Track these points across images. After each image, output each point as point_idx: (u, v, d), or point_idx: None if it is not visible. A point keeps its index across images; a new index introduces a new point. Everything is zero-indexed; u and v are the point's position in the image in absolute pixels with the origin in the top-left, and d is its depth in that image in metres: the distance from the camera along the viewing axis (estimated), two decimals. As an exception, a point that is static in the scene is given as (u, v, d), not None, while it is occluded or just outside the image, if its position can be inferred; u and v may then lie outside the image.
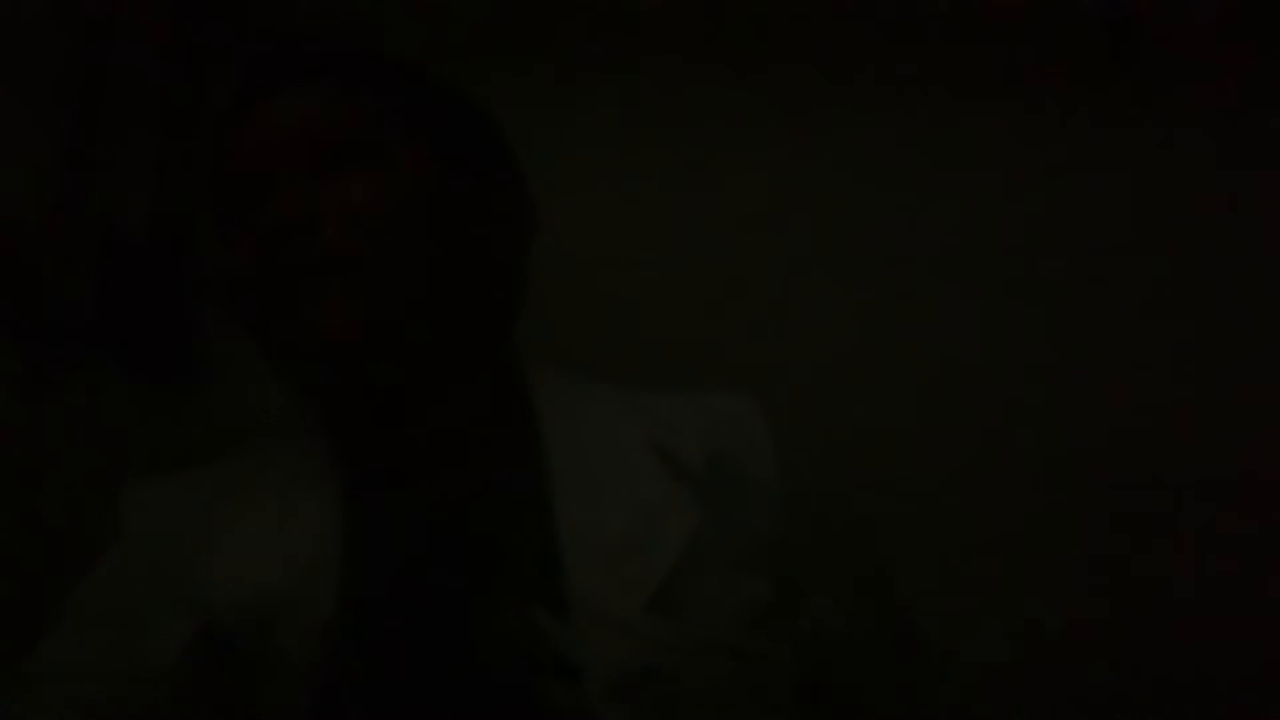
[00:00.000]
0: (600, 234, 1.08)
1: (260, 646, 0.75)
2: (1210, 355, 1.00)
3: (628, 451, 0.81)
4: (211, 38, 1.19)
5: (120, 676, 0.77)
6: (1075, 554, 1.00)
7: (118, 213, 1.15)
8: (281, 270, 0.77)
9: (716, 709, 0.74)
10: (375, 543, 0.79)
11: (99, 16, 1.17)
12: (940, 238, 1.07)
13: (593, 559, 0.76)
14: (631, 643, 0.73)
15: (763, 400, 0.85)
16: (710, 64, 1.12)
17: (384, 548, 0.79)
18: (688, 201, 1.11)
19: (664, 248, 1.10)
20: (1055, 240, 1.06)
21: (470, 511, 0.80)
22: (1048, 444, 1.02)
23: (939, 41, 1.09)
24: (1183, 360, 1.01)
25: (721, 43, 1.12)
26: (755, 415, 0.84)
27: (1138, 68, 1.04)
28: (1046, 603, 0.99)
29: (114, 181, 1.17)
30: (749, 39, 1.12)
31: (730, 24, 1.12)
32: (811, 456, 0.84)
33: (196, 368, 1.15)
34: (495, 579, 0.77)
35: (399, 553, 0.79)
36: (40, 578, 1.01)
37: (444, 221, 0.81)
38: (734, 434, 0.83)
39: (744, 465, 0.81)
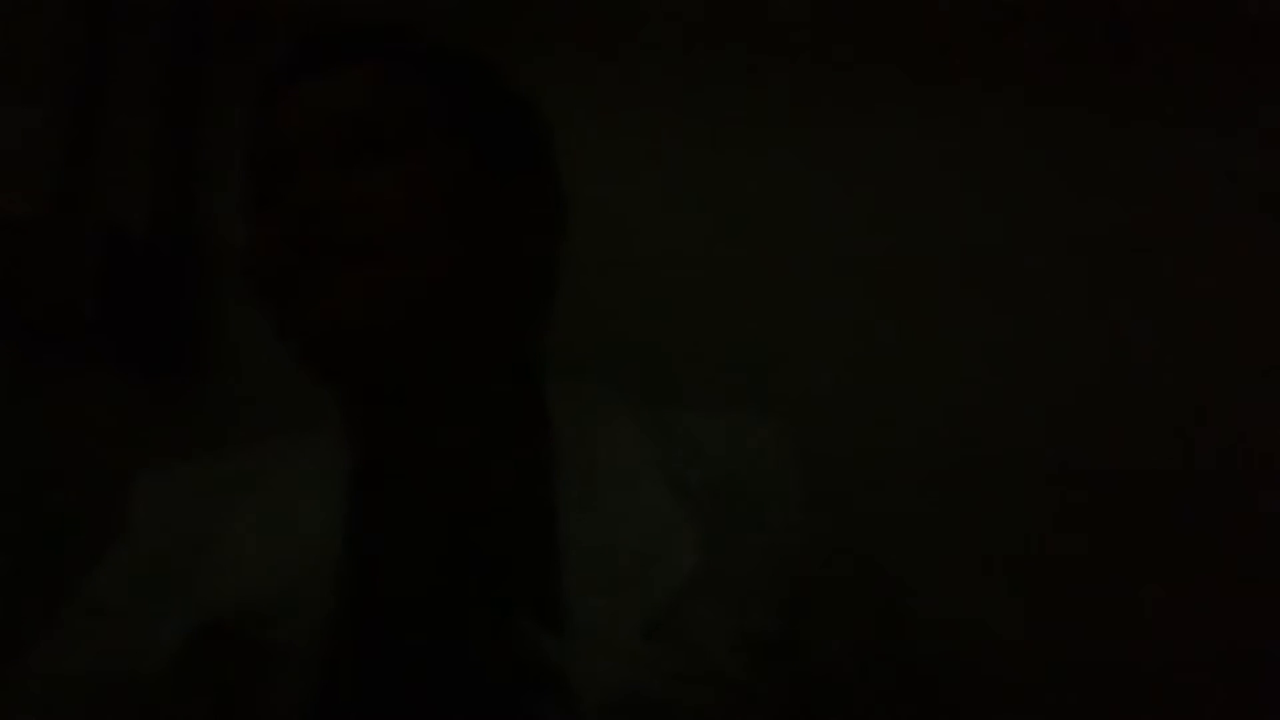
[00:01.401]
0: (615, 237, 1.08)
1: (261, 644, 0.75)
2: (1212, 354, 1.00)
3: (640, 472, 0.79)
4: (213, 39, 1.20)
5: (120, 673, 0.77)
6: (1101, 578, 0.98)
7: (117, 213, 1.16)
8: (303, 254, 0.76)
9: None
10: (379, 543, 0.79)
11: (100, 17, 1.18)
12: (943, 241, 1.06)
13: (596, 579, 0.74)
14: (628, 666, 0.72)
15: (782, 417, 0.84)
16: (721, 65, 1.11)
17: (387, 549, 0.79)
18: (700, 206, 1.10)
19: (680, 253, 1.09)
20: (1057, 241, 1.05)
21: (476, 519, 0.79)
22: (1070, 459, 1.00)
23: (941, 42, 1.09)
24: (1186, 359, 1.01)
25: (734, 45, 1.11)
26: (776, 441, 0.82)
27: (1138, 68, 1.04)
28: (1067, 629, 0.97)
29: (114, 181, 1.17)
30: (762, 40, 1.11)
31: (740, 28, 1.12)
32: (831, 486, 0.83)
33: (196, 366, 1.15)
34: (496, 590, 0.76)
35: (401, 555, 0.78)
36: (41, 576, 1.02)
37: (471, 217, 0.79)
38: (752, 460, 0.81)
39: (760, 492, 0.79)
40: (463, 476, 0.81)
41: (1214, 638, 0.95)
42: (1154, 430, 0.99)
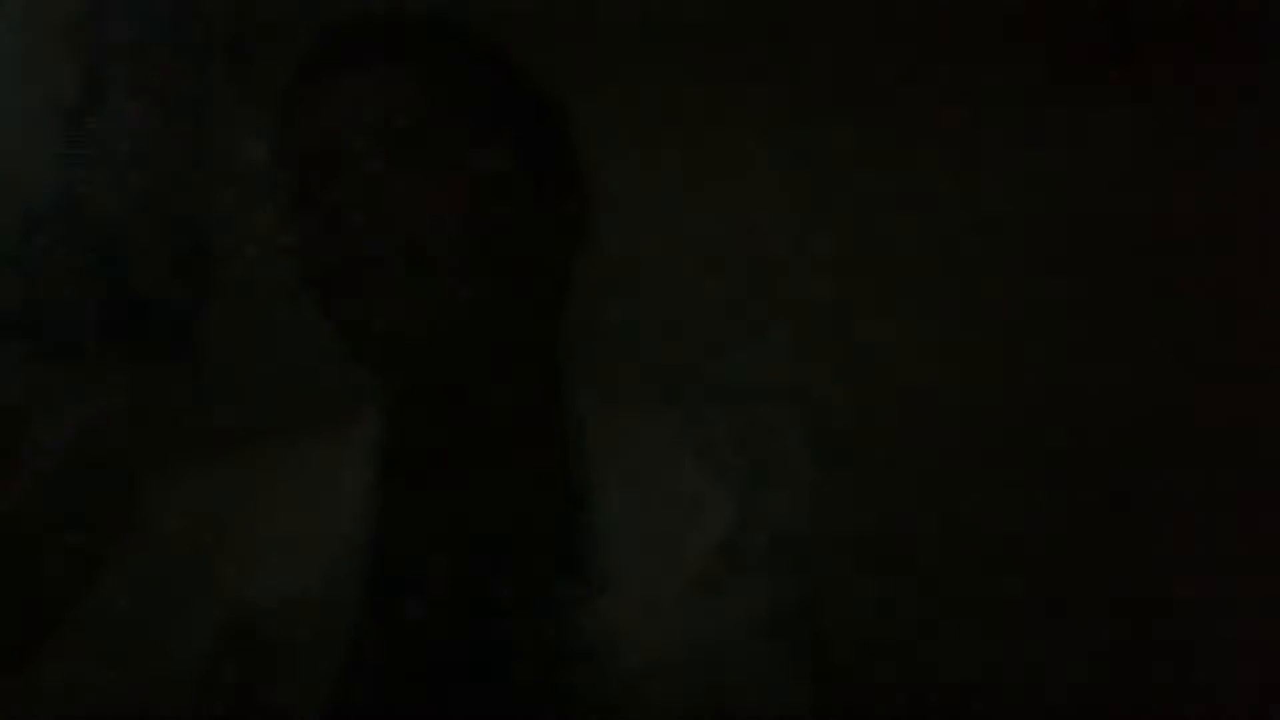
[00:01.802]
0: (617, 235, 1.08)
1: (284, 641, 0.75)
2: (1214, 353, 1.02)
3: (667, 453, 0.83)
4: (215, 35, 1.19)
5: (139, 677, 0.76)
6: (1120, 564, 1.00)
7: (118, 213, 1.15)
8: (346, 255, 0.77)
9: (737, 698, 0.75)
10: (411, 526, 0.80)
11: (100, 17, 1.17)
12: (948, 233, 1.07)
13: (628, 551, 0.77)
14: (662, 630, 0.74)
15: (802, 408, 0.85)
16: (729, 64, 1.12)
17: (420, 531, 0.80)
18: (707, 205, 1.11)
19: (699, 251, 1.11)
20: (1057, 241, 1.06)
21: (508, 501, 0.81)
22: (1078, 443, 1.02)
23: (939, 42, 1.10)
24: (1188, 357, 1.02)
25: (739, 44, 1.12)
26: (795, 427, 0.85)
27: (1137, 67, 1.05)
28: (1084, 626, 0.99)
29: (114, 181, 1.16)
30: (773, 40, 1.12)
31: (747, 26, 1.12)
32: (847, 469, 0.85)
33: (202, 365, 1.15)
34: (530, 566, 0.78)
35: (435, 537, 0.80)
36: (47, 581, 1.01)
37: (509, 219, 0.81)
38: (773, 444, 0.84)
39: (781, 474, 0.82)
40: (494, 460, 0.82)
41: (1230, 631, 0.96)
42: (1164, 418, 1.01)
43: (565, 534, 0.79)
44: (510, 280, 0.81)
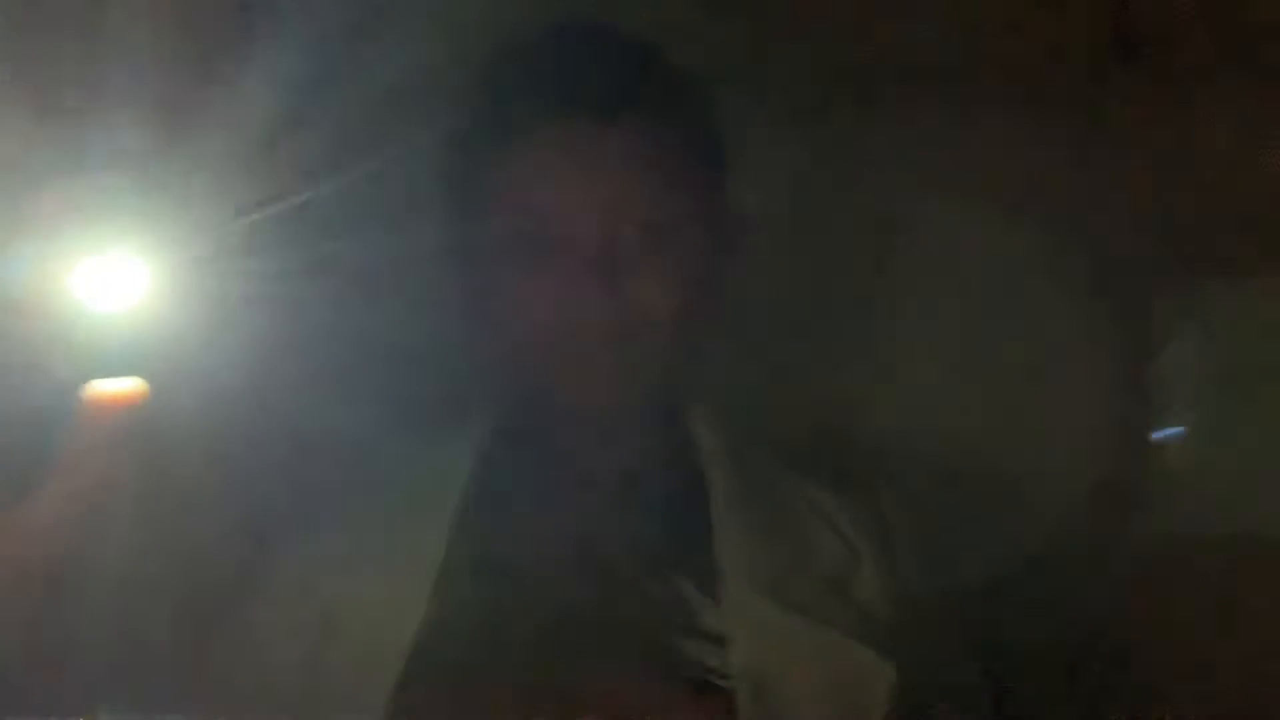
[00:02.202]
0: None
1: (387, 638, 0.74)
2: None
3: (785, 492, 0.84)
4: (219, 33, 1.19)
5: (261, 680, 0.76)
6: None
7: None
8: (555, 337, 0.76)
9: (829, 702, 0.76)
10: (527, 507, 0.80)
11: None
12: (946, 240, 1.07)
13: (743, 563, 0.77)
14: (773, 629, 0.75)
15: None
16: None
17: (531, 509, 0.80)
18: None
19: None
20: (1057, 241, 1.06)
21: (631, 490, 0.82)
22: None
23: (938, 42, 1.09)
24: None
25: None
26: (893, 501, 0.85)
27: (1138, 68, 1.05)
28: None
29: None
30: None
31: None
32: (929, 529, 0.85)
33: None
34: (653, 556, 0.78)
35: (546, 513, 0.80)
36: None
37: (712, 285, 0.80)
38: (866, 504, 0.84)
39: (884, 547, 0.83)
40: (623, 456, 0.82)
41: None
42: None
43: (682, 539, 0.79)
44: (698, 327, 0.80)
